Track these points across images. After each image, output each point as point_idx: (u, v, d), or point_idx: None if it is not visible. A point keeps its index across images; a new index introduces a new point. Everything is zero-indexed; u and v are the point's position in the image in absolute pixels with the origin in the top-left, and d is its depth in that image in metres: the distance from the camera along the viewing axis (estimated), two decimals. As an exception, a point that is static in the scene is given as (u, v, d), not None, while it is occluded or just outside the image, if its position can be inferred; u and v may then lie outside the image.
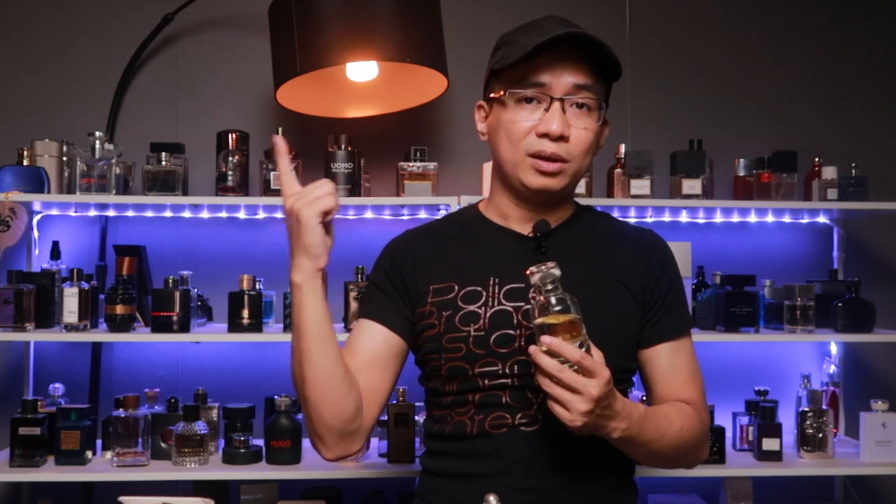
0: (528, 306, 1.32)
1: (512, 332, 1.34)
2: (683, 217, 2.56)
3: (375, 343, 1.38)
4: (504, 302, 1.35)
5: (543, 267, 1.19)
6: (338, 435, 1.31)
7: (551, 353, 1.16)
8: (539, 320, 1.18)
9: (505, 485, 1.30)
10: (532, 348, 1.18)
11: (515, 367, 1.33)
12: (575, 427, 1.17)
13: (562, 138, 1.31)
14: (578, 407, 1.15)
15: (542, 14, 1.39)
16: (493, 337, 1.33)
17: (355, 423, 1.32)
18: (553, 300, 1.18)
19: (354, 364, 1.35)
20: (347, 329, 2.27)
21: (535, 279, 1.20)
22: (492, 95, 1.39)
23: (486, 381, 1.34)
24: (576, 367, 1.15)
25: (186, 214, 2.48)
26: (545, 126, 1.31)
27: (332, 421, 1.29)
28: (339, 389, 1.28)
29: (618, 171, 2.43)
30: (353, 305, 2.28)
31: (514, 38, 1.35)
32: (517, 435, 1.33)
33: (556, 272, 1.19)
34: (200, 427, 2.20)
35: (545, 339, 1.16)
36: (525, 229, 1.40)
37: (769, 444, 2.30)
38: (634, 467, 1.45)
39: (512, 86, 1.34)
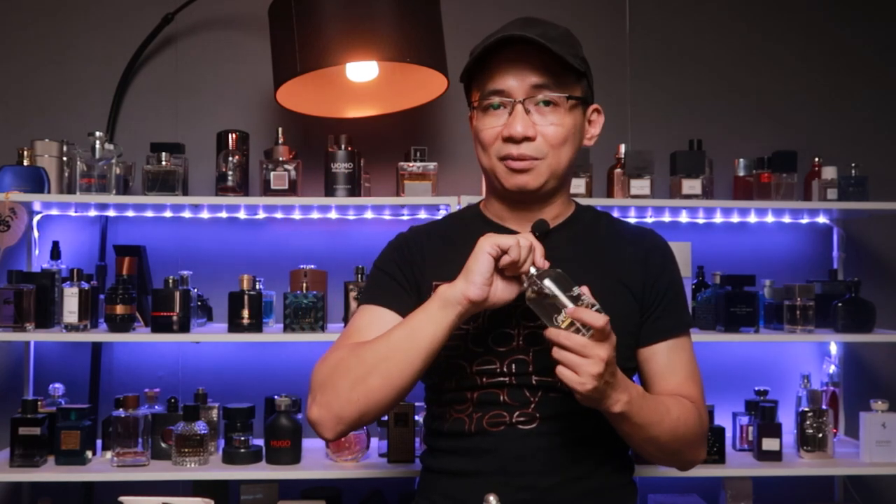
0: (527, 305, 1.33)
1: (511, 330, 1.34)
2: (683, 217, 2.56)
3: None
4: None
5: (530, 279, 1.24)
6: (352, 427, 1.30)
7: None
8: (545, 292, 1.21)
9: (502, 483, 1.31)
10: (545, 332, 1.19)
11: (513, 366, 1.33)
12: (585, 391, 1.16)
13: (526, 139, 1.33)
14: (589, 370, 1.15)
15: (543, 16, 1.40)
16: (491, 335, 1.34)
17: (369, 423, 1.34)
18: (549, 286, 1.21)
19: None
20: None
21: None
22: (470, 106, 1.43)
23: (484, 379, 1.34)
24: (583, 333, 1.16)
25: (186, 214, 2.48)
26: (508, 130, 1.33)
27: (365, 416, 1.28)
28: (396, 401, 1.29)
29: (618, 171, 2.43)
30: (353, 305, 2.28)
31: (477, 47, 1.38)
32: (515, 433, 1.33)
33: (533, 271, 1.24)
34: (200, 427, 2.20)
35: (569, 310, 1.17)
36: (524, 229, 1.40)
37: (769, 444, 2.30)
38: (634, 466, 1.45)
39: (475, 96, 1.38)
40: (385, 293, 1.39)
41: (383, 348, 1.27)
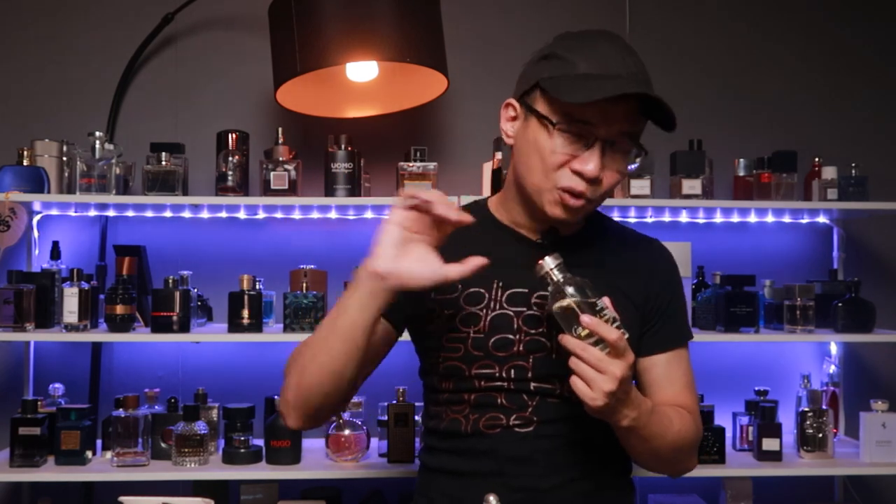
0: (530, 312, 1.33)
1: (511, 336, 1.33)
2: (683, 217, 2.56)
3: (374, 333, 1.37)
4: (505, 306, 1.34)
5: (545, 262, 1.22)
6: (310, 416, 1.31)
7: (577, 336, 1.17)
8: (566, 302, 1.18)
9: (499, 484, 1.30)
10: (560, 337, 1.18)
11: (512, 371, 1.33)
12: (596, 406, 1.15)
13: (595, 180, 1.28)
14: (602, 386, 1.14)
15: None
16: (491, 340, 1.33)
17: (339, 408, 1.34)
18: (571, 294, 1.18)
19: None
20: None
21: (543, 272, 1.22)
22: (537, 109, 1.29)
23: (483, 383, 1.34)
24: (602, 347, 1.15)
25: (186, 214, 2.48)
26: (582, 165, 1.26)
27: (309, 401, 1.29)
28: (336, 386, 1.27)
29: (618, 171, 2.43)
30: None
31: (569, 57, 1.27)
32: (511, 436, 1.33)
33: (552, 262, 1.21)
34: (200, 427, 2.20)
35: (585, 318, 1.15)
36: (534, 235, 1.39)
37: (769, 444, 2.30)
38: (631, 466, 1.45)
39: (558, 115, 1.26)
40: None
41: (316, 335, 1.29)
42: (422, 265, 1.21)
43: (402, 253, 1.21)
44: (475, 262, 1.23)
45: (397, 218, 1.21)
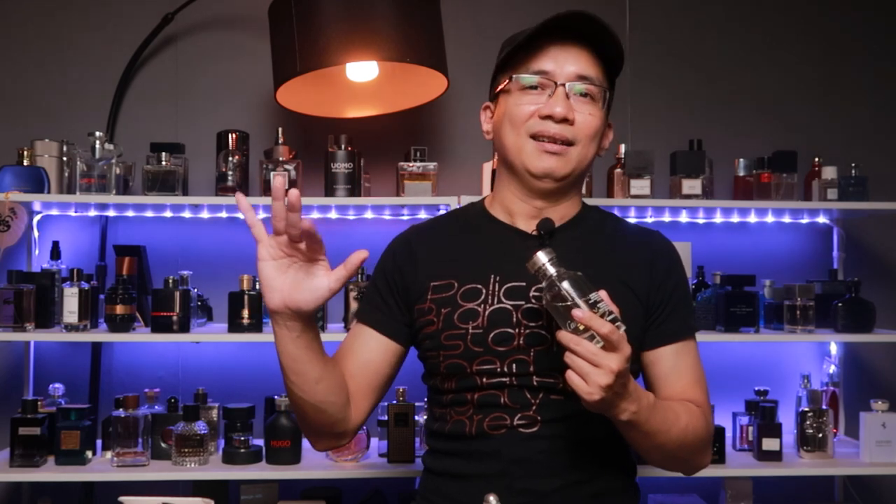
0: (528, 305, 1.33)
1: (511, 330, 1.33)
2: (683, 217, 2.56)
3: (370, 349, 1.39)
4: (504, 300, 1.34)
5: (538, 257, 1.21)
6: (324, 436, 1.38)
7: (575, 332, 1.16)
8: (560, 297, 1.17)
9: (503, 486, 1.30)
10: (556, 332, 1.17)
11: (514, 366, 1.33)
12: (592, 400, 1.15)
13: (565, 121, 1.33)
14: (598, 380, 1.13)
15: (543, 15, 1.39)
16: (491, 335, 1.33)
17: (339, 427, 1.35)
18: (566, 290, 1.17)
19: (348, 368, 1.37)
20: (347, 328, 2.27)
21: (536, 267, 1.21)
22: (499, 88, 1.40)
23: (485, 380, 1.33)
24: (597, 341, 1.14)
25: (186, 214, 2.48)
26: (549, 108, 1.32)
27: (314, 426, 1.35)
28: (314, 411, 1.32)
29: (618, 171, 2.43)
30: (354, 305, 2.28)
31: (519, 34, 1.37)
32: (516, 436, 1.32)
33: (545, 257, 1.20)
34: (200, 427, 2.20)
35: (576, 313, 1.14)
36: (529, 227, 1.39)
37: (769, 444, 2.30)
38: (636, 469, 1.44)
39: (517, 71, 1.36)
40: (372, 312, 1.39)
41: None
42: (305, 285, 1.20)
43: (284, 282, 1.21)
44: (356, 257, 1.20)
45: (262, 253, 1.22)
